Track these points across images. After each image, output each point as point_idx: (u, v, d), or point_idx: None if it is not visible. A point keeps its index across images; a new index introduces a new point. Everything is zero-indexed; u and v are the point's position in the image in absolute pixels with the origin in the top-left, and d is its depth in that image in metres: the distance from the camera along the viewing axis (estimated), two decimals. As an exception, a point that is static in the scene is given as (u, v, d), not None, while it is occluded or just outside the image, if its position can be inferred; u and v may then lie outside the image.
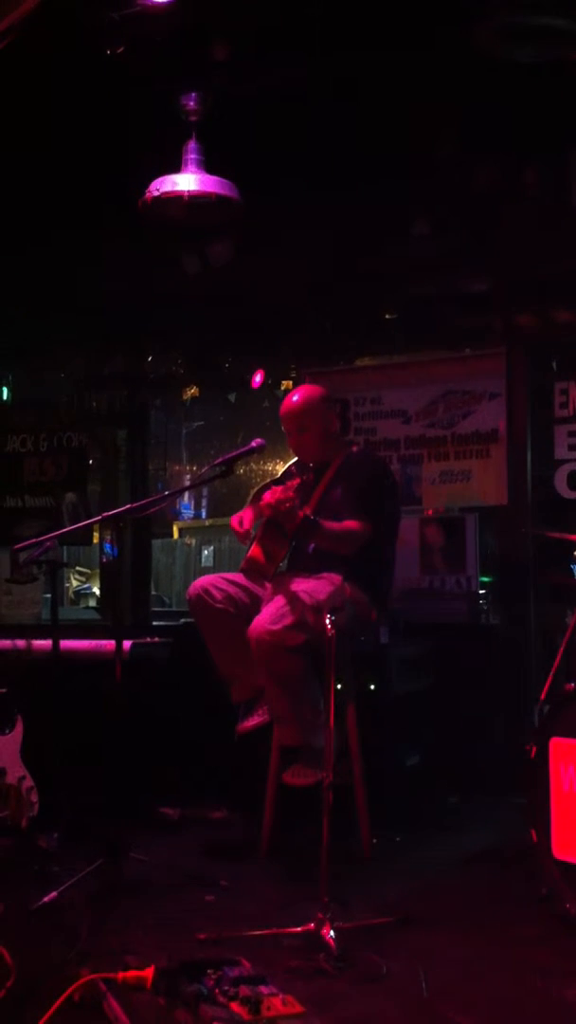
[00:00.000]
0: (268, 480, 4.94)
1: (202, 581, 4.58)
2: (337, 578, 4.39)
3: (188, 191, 4.72)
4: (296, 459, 4.90)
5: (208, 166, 4.77)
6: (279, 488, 4.21)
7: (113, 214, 5.13)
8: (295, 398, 4.76)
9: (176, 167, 4.77)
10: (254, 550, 4.40)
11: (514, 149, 5.28)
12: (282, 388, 6.75)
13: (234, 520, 4.65)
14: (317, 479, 4.65)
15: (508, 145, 5.24)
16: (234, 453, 4.46)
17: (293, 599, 4.19)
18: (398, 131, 4.99)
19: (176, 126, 4.78)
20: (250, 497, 4.73)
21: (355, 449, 4.93)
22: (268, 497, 4.24)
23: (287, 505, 4.17)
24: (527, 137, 5.17)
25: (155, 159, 4.81)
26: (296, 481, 4.16)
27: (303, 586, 4.29)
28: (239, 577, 4.54)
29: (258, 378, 6.64)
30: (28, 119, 4.86)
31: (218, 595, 4.48)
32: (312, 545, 4.51)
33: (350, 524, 4.46)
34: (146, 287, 6.45)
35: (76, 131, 4.99)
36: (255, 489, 4.73)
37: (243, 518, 4.59)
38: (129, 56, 4.30)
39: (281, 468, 5.00)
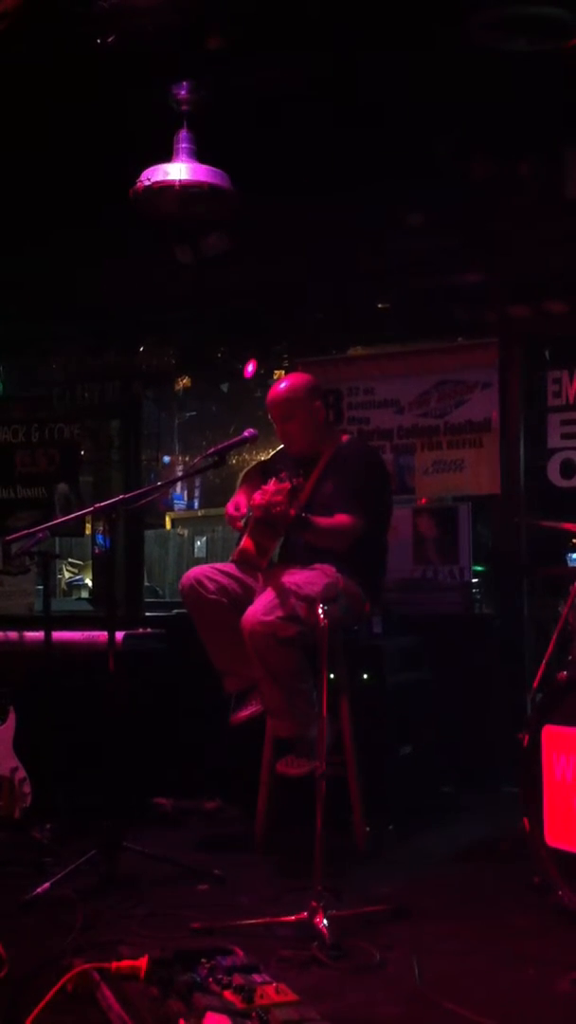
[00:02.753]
0: (257, 462, 4.90)
1: (194, 572, 4.56)
2: (330, 569, 4.39)
3: (180, 180, 4.70)
4: (280, 448, 4.88)
5: (205, 159, 4.75)
6: (270, 488, 4.16)
7: (110, 209, 5.10)
8: (281, 386, 4.73)
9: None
10: (245, 542, 4.38)
11: (509, 143, 5.27)
12: (275, 378, 6.73)
13: (230, 507, 4.63)
14: (308, 472, 4.64)
15: (504, 140, 5.23)
16: (226, 443, 4.45)
17: (285, 591, 4.18)
18: (395, 126, 4.98)
19: (175, 122, 4.76)
20: (239, 480, 4.70)
21: (345, 439, 4.86)
22: (258, 499, 4.21)
23: (277, 510, 4.14)
24: (522, 132, 5.16)
25: (154, 154, 4.78)
26: (287, 485, 4.10)
27: (296, 578, 4.28)
28: (232, 567, 4.53)
29: (251, 368, 6.63)
30: (26, 114, 4.83)
31: (211, 586, 4.47)
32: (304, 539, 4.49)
33: (341, 519, 4.44)
34: (141, 279, 6.43)
35: (74, 126, 4.97)
36: (244, 471, 4.71)
37: (238, 503, 4.58)
38: (125, 51, 4.27)
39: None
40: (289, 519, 4.16)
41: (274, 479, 4.15)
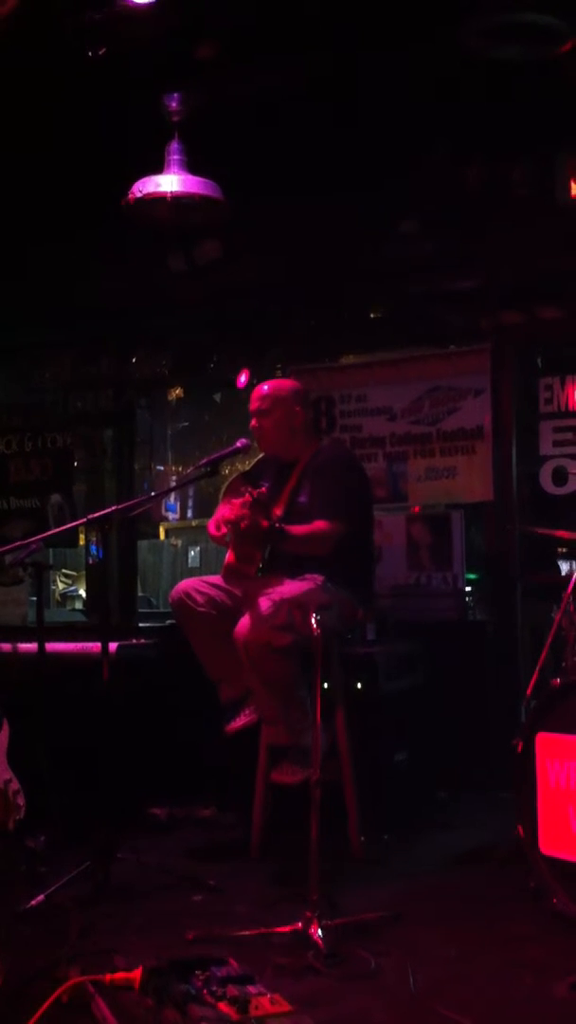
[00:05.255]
0: (238, 474, 4.90)
1: (183, 585, 4.57)
2: (320, 577, 4.39)
3: (171, 192, 4.72)
4: (260, 457, 4.88)
5: (197, 164, 4.76)
6: (236, 502, 4.18)
7: (107, 216, 5.12)
8: (267, 383, 4.78)
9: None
10: (229, 556, 4.41)
11: (502, 148, 5.29)
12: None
13: (211, 526, 4.64)
14: (286, 477, 4.64)
15: (496, 144, 5.25)
16: (219, 454, 4.46)
17: (278, 600, 4.18)
18: (387, 132, 4.99)
19: (169, 129, 4.78)
20: (222, 492, 4.70)
21: (322, 444, 4.85)
22: (228, 514, 4.23)
23: (244, 524, 4.14)
24: (515, 136, 5.18)
25: (150, 160, 4.80)
26: (248, 499, 4.11)
27: (287, 587, 4.28)
28: (221, 580, 4.53)
29: (243, 378, 6.63)
30: (26, 118, 4.85)
31: (200, 599, 4.47)
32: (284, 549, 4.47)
33: (318, 525, 4.43)
34: (134, 288, 6.43)
35: (73, 132, 4.98)
36: (226, 484, 4.71)
37: (219, 523, 4.55)
38: (121, 58, 4.29)
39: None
40: (261, 530, 4.16)
41: (247, 491, 4.15)
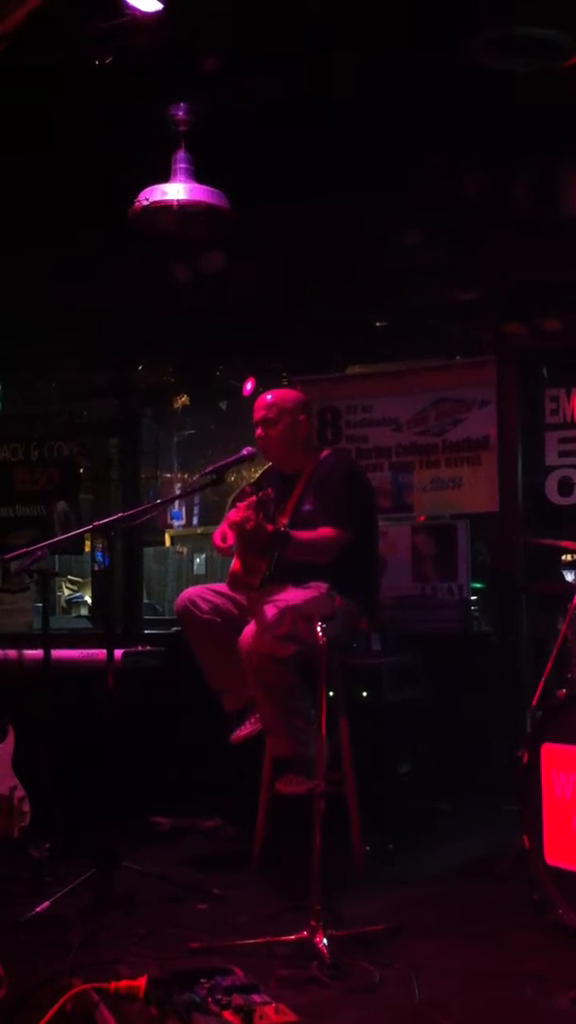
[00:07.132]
0: (243, 486, 4.92)
1: (189, 593, 4.57)
2: (324, 586, 4.39)
3: (178, 200, 4.74)
4: (267, 466, 4.89)
5: (202, 172, 4.78)
6: (242, 504, 4.19)
7: (109, 224, 5.13)
8: (271, 392, 4.77)
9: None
10: (235, 564, 4.41)
11: (504, 160, 5.30)
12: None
13: (216, 537, 4.64)
14: (291, 488, 4.64)
15: (498, 156, 5.26)
16: (225, 462, 4.45)
17: (283, 609, 4.18)
18: (389, 143, 5.00)
19: (174, 138, 4.80)
20: (228, 505, 4.71)
21: (326, 454, 4.84)
22: (233, 516, 4.24)
23: (249, 525, 4.15)
24: (517, 148, 5.19)
25: (153, 168, 4.81)
26: (253, 499, 4.11)
27: (292, 596, 4.28)
28: (226, 588, 4.53)
29: (249, 386, 6.63)
30: (28, 126, 4.87)
31: (205, 606, 4.47)
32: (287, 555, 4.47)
33: (324, 532, 4.43)
34: (139, 296, 6.45)
35: (77, 138, 5.00)
36: (231, 498, 4.72)
37: (225, 534, 4.56)
38: (124, 67, 4.31)
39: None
40: (266, 533, 4.16)
41: (244, 503, 4.15)
